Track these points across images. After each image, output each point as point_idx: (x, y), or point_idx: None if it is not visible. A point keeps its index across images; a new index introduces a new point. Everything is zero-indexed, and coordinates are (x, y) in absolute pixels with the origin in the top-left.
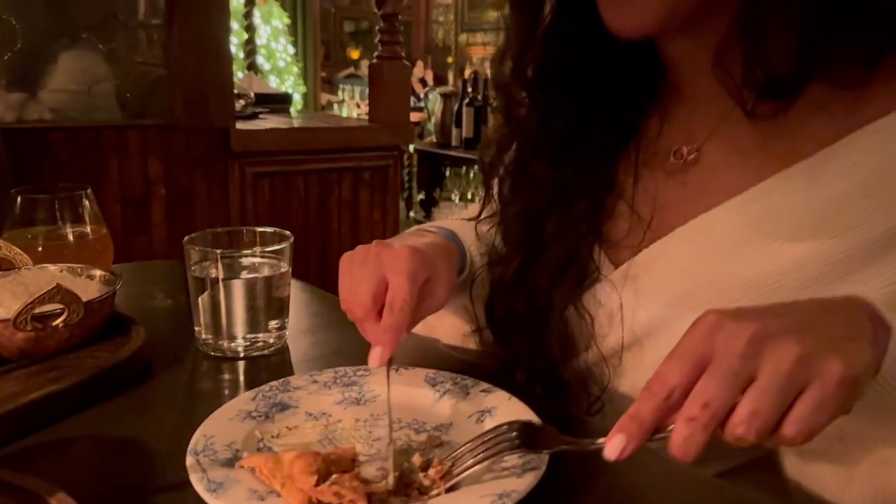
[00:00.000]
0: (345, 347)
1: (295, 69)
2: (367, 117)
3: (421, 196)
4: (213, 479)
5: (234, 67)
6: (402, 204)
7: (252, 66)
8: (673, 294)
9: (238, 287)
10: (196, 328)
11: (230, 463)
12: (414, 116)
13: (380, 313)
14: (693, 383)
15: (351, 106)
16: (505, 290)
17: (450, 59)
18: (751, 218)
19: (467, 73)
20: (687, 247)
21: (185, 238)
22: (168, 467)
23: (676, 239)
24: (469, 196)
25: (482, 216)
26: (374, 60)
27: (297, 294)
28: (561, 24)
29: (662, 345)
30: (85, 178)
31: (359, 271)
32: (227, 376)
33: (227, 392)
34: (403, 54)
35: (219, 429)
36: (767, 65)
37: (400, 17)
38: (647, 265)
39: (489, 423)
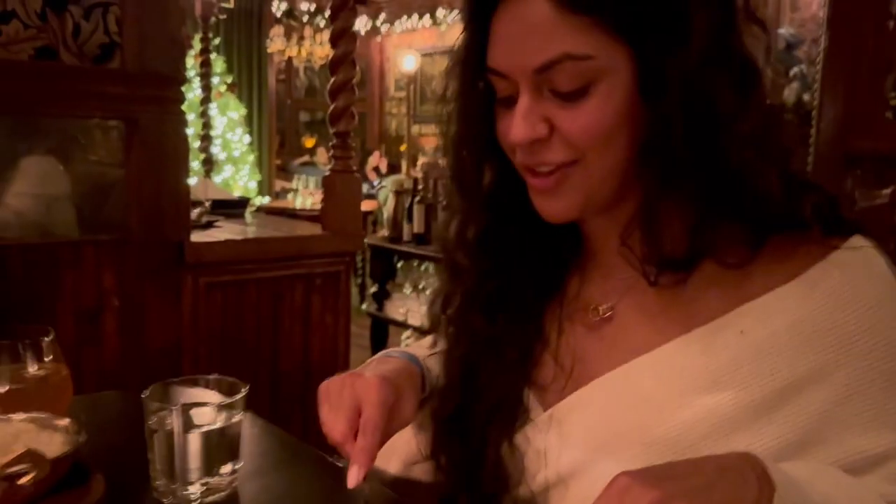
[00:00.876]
0: (294, 490)
1: (251, 157)
2: (320, 206)
3: (374, 288)
4: None
5: (190, 159)
6: (355, 295)
7: (208, 161)
8: (592, 439)
9: (194, 438)
10: (152, 474)
11: None
12: (367, 205)
13: (355, 436)
14: None
15: (305, 195)
16: (443, 426)
17: (402, 148)
18: (656, 375)
19: (420, 162)
20: (603, 398)
21: (143, 393)
22: None
23: (594, 390)
24: (421, 286)
25: (434, 350)
26: (328, 173)
27: (246, 428)
28: (496, 204)
29: (585, 485)
30: (39, 292)
31: (336, 401)
32: None
33: None
34: (355, 168)
35: None
36: (663, 246)
37: (354, 109)
38: (568, 411)
39: None
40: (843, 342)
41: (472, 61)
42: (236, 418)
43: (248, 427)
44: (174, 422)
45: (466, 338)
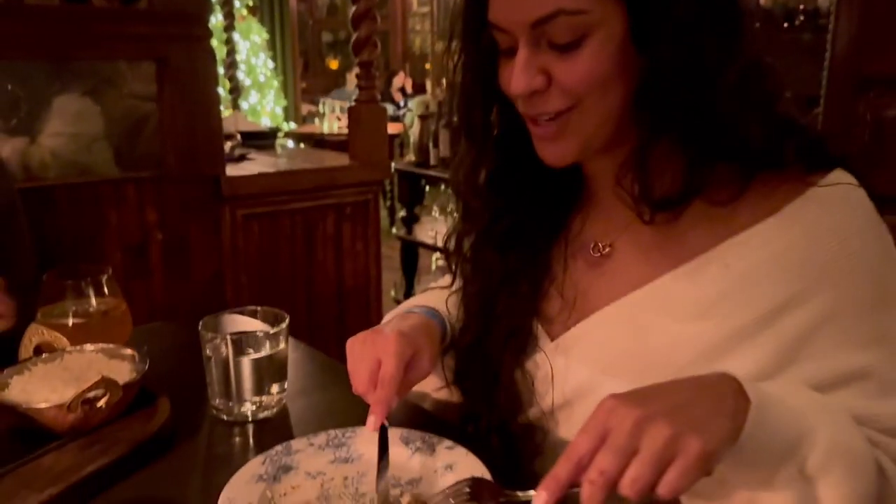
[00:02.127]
0: (335, 407)
1: (275, 83)
2: (346, 130)
3: (402, 213)
4: None
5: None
6: (385, 218)
7: (235, 89)
8: (593, 365)
9: (246, 363)
10: (210, 395)
11: None
12: (393, 128)
13: (376, 386)
14: (595, 452)
15: (332, 119)
16: (465, 354)
17: (427, 66)
18: (651, 307)
19: (444, 81)
20: (603, 328)
21: (200, 323)
22: None
23: (595, 321)
24: (449, 209)
25: (452, 289)
26: (353, 104)
27: (290, 353)
28: (504, 148)
29: (588, 405)
30: (86, 229)
31: (359, 354)
32: (237, 440)
33: (239, 455)
34: (379, 97)
35: (238, 491)
36: (655, 186)
37: (378, 26)
38: (573, 341)
39: (450, 477)
40: (819, 271)
41: (473, 15)
42: (282, 345)
43: (291, 352)
44: (227, 350)
45: (481, 274)
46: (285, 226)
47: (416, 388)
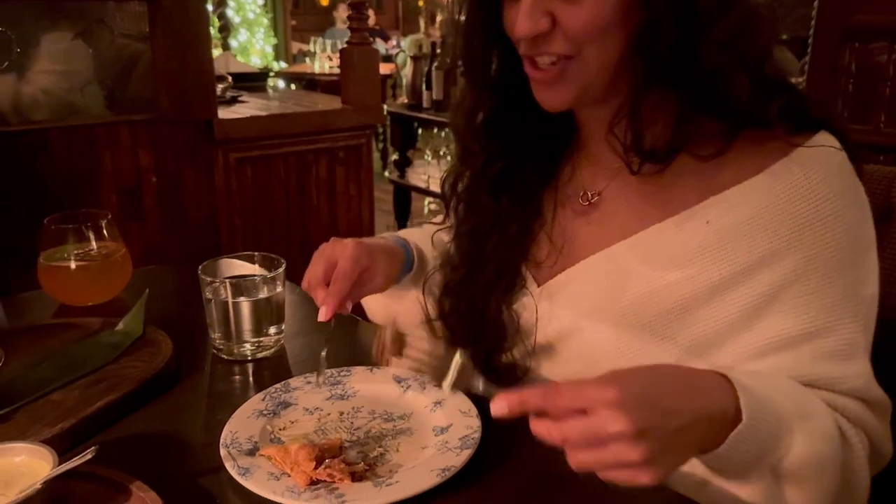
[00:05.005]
0: (330, 346)
1: (265, 20)
2: (338, 70)
3: (395, 156)
4: (242, 466)
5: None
6: (377, 160)
7: (224, 28)
8: (576, 310)
9: (244, 305)
10: (211, 335)
11: (252, 452)
12: (384, 68)
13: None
14: (571, 414)
15: (323, 59)
16: (453, 291)
17: (420, 3)
18: (634, 257)
19: (438, 19)
20: (588, 276)
21: (200, 267)
22: (206, 456)
23: (580, 269)
24: (441, 153)
25: (443, 226)
26: (345, 45)
27: (287, 296)
28: (502, 90)
29: (569, 348)
30: (81, 171)
31: (318, 254)
32: (238, 378)
33: (239, 392)
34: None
35: (240, 426)
36: (645, 138)
37: None
38: (559, 287)
39: (439, 413)
40: (795, 231)
41: None
42: (279, 288)
43: (288, 295)
44: (227, 293)
45: (474, 214)
46: (278, 169)
47: (401, 326)
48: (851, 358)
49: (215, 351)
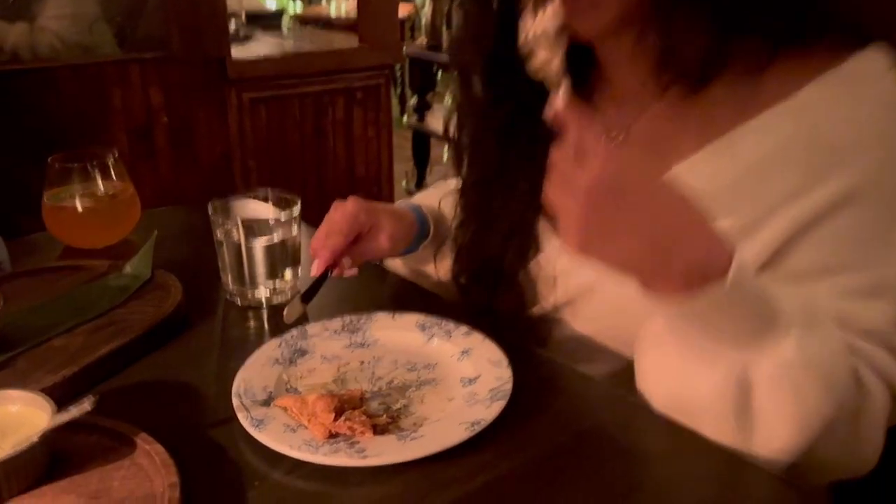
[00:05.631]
0: (348, 294)
1: None
2: (355, 13)
3: (414, 100)
4: (255, 417)
5: None
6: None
7: None
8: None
9: (258, 248)
10: (224, 280)
11: (266, 403)
12: (403, 9)
13: None
14: None
15: (339, 1)
16: (465, 251)
17: None
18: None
19: None
20: None
21: (210, 206)
22: (217, 406)
23: None
24: None
25: (452, 188)
26: None
27: (303, 238)
28: (507, 23)
29: (593, 304)
30: (91, 111)
31: (325, 217)
32: (252, 324)
33: (253, 339)
34: None
35: (254, 374)
36: (675, 56)
37: None
38: None
39: (466, 363)
40: (828, 161)
41: None
42: (294, 229)
43: (304, 237)
44: (239, 235)
45: (480, 164)
46: (293, 110)
47: (417, 280)
48: (881, 298)
49: (228, 296)
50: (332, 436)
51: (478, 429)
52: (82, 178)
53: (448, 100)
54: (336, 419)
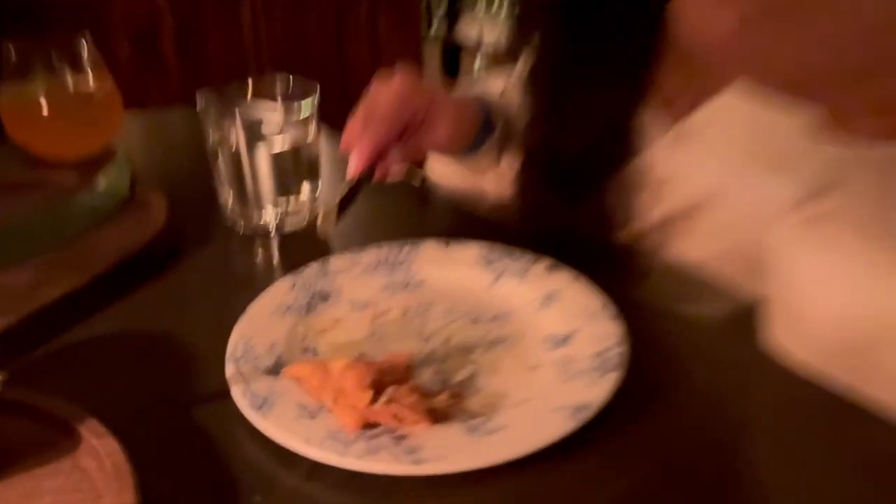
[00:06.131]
0: (383, 217)
1: None
2: None
3: (442, 9)
4: (257, 393)
5: None
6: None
7: None
8: (735, 157)
9: (265, 155)
10: (222, 199)
11: (274, 370)
12: None
13: None
14: None
15: None
16: (537, 158)
17: None
18: None
19: None
20: (739, 110)
21: (198, 93)
22: (207, 371)
23: (729, 101)
24: (495, 3)
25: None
26: None
27: (323, 148)
28: None
29: (715, 214)
30: (86, 14)
31: (360, 105)
32: (258, 258)
33: (260, 277)
34: None
35: (258, 327)
36: None
37: None
38: (703, 125)
39: (553, 313)
40: None
41: None
42: (311, 131)
43: (326, 146)
44: (239, 137)
45: (558, 39)
46: (312, 13)
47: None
48: None
49: (228, 222)
50: (369, 426)
51: (584, 416)
52: (48, 71)
53: (482, 9)
54: (374, 400)
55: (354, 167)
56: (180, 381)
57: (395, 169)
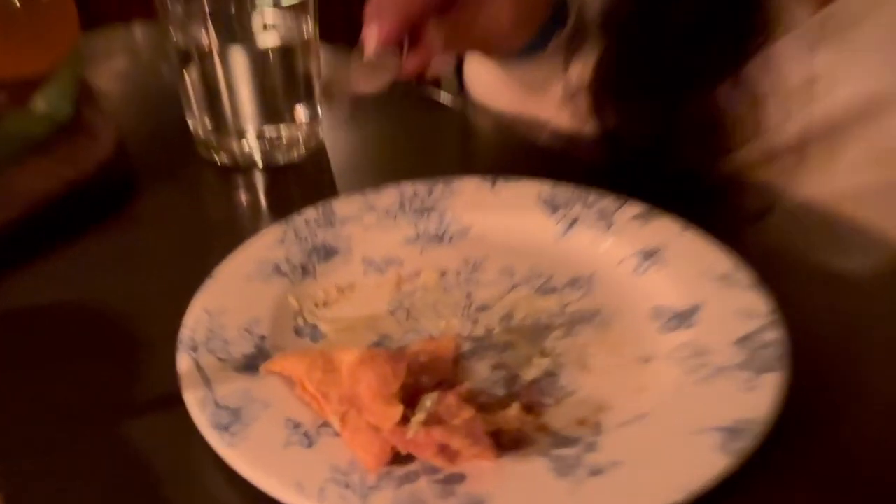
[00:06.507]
0: (396, 146)
1: None
2: None
3: None
4: (224, 402)
5: None
6: None
7: None
8: (884, 66)
9: (244, 62)
10: (190, 122)
11: (251, 365)
12: None
13: None
14: None
15: None
16: (620, 56)
17: None
18: None
19: None
20: None
21: None
22: (159, 364)
23: None
24: None
25: None
26: None
27: (324, 56)
28: None
29: (875, 134)
30: None
31: None
32: (241, 197)
33: (242, 224)
34: None
35: (229, 298)
36: None
37: None
38: (860, 13)
39: (661, 275)
40: None
41: None
42: (307, 28)
43: (325, 54)
44: (210, 40)
45: None
46: None
47: (533, 109)
48: None
49: (200, 151)
50: (400, 458)
51: (744, 444)
52: None
53: None
54: (407, 416)
55: (375, 37)
56: (118, 380)
57: (433, 59)
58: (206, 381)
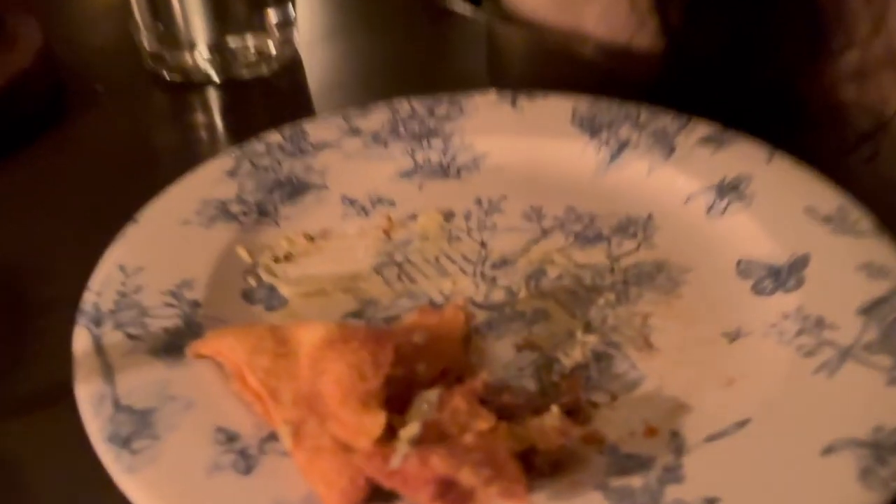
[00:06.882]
0: (392, 61)
1: None
2: None
3: None
4: (128, 402)
5: None
6: None
7: None
8: None
9: None
10: (133, 32)
11: (175, 346)
12: None
13: None
14: None
15: None
16: None
17: None
18: None
19: None
20: None
21: None
22: (53, 335)
23: None
24: None
25: None
26: None
27: None
28: None
29: None
30: None
31: None
32: (194, 119)
33: (192, 152)
34: None
35: (157, 248)
36: None
37: None
38: None
39: (745, 218)
40: None
41: None
42: None
43: None
44: None
45: None
46: None
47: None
48: None
49: (150, 64)
50: (383, 494)
51: (893, 468)
52: None
53: None
54: (393, 428)
55: None
56: (29, 358)
57: None
58: (107, 370)
